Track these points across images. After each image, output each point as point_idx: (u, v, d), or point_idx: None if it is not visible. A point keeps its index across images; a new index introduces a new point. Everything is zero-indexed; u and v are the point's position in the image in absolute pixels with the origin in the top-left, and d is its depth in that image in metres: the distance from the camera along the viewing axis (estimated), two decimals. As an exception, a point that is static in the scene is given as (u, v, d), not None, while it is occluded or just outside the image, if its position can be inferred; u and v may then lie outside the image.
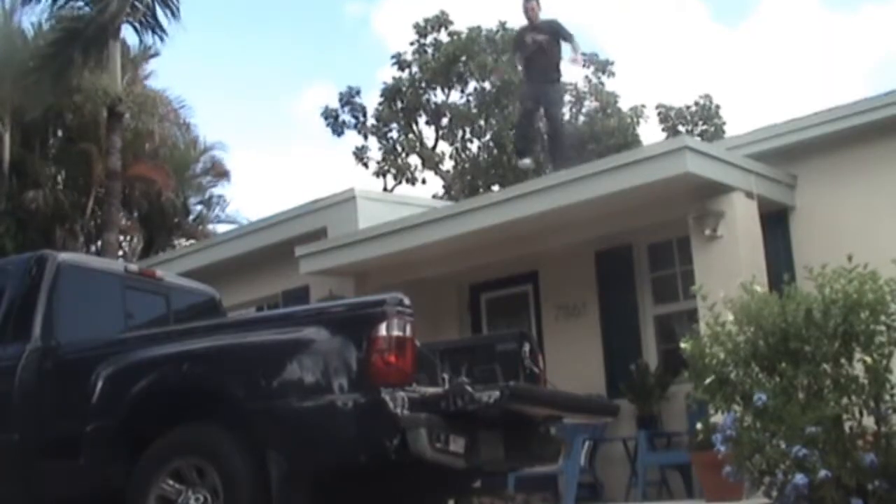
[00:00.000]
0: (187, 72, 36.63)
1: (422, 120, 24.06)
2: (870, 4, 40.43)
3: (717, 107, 23.82)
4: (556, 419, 6.02)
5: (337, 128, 24.49)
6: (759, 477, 4.90)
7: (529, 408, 5.41)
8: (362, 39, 39.73)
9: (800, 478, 4.54)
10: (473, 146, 23.84)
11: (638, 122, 22.67)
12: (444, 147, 24.08)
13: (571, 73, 10.68)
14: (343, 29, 40.73)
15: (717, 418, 5.17)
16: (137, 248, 22.59)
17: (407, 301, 4.93)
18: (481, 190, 21.23)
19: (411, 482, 5.34)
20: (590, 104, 23.43)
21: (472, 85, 23.43)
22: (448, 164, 23.99)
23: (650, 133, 24.14)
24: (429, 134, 24.16)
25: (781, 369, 4.87)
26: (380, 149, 24.18)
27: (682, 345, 5.24)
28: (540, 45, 10.45)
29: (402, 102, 23.62)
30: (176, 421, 5.07)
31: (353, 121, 24.44)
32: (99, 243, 19.35)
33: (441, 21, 23.64)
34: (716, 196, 8.23)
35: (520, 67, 12.37)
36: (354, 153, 24.22)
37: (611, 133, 21.79)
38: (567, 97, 22.12)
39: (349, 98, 24.47)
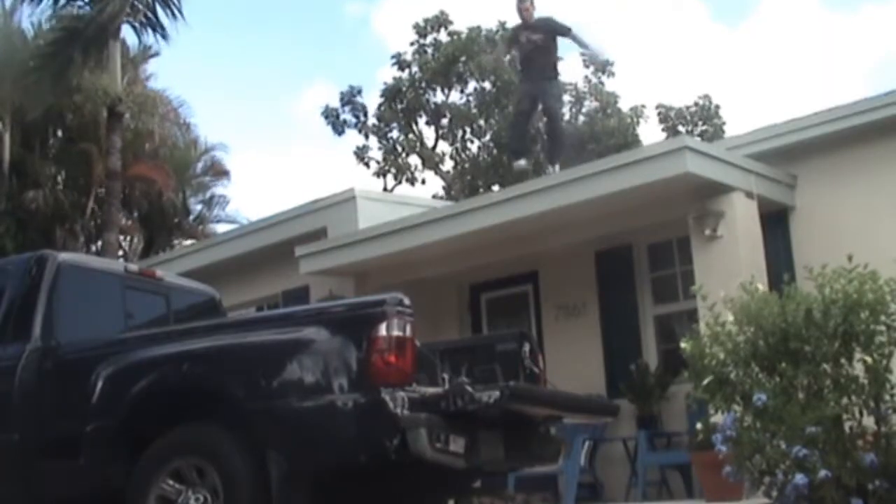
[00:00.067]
0: (187, 72, 36.69)
1: (422, 120, 24.07)
2: (870, 4, 40.47)
3: (717, 107, 23.82)
4: (556, 419, 6.02)
5: (338, 127, 24.50)
6: (759, 477, 4.90)
7: (529, 408, 5.41)
8: (362, 39, 39.79)
9: (800, 478, 4.54)
10: (473, 146, 23.86)
11: (638, 122, 22.66)
12: (444, 147, 24.11)
13: (594, 63, 10.53)
14: (343, 29, 40.79)
15: (717, 418, 5.17)
16: (138, 248, 22.60)
17: (407, 301, 4.93)
18: (481, 190, 21.22)
19: (411, 482, 5.34)
20: (590, 104, 23.42)
21: (472, 85, 23.43)
22: (448, 165, 24.02)
23: (650, 133, 24.17)
24: (429, 134, 24.21)
25: (781, 369, 4.87)
26: (380, 149, 24.20)
27: (682, 345, 5.24)
28: (535, 44, 10.40)
29: (402, 103, 23.61)
30: (176, 421, 5.07)
31: (353, 120, 24.46)
32: (99, 243, 19.36)
33: (441, 21, 23.63)
34: (716, 196, 8.23)
35: (506, 58, 12.21)
36: (356, 153, 24.23)
37: (611, 133, 21.77)
38: (567, 97, 22.14)
39: (350, 97, 24.47)
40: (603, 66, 10.23)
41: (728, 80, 37.50)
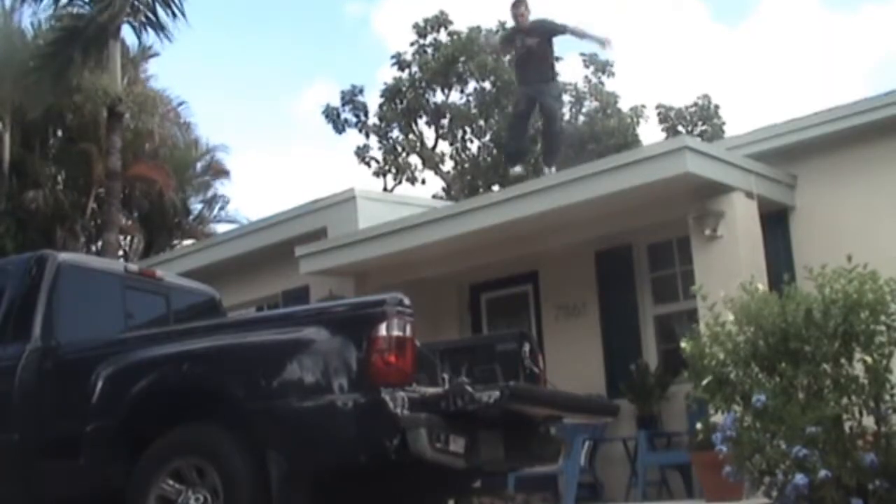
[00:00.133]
0: (187, 72, 36.70)
1: (422, 120, 24.07)
2: (870, 4, 40.47)
3: (717, 107, 23.81)
4: (556, 419, 6.02)
5: (338, 126, 24.50)
6: (759, 477, 4.90)
7: (529, 408, 5.41)
8: (362, 39, 39.79)
9: (800, 478, 4.54)
10: (473, 146, 23.86)
11: (638, 123, 22.66)
12: (444, 147, 24.11)
13: (600, 44, 10.46)
14: (343, 29, 40.79)
15: (717, 418, 5.17)
16: (138, 248, 22.59)
17: (407, 301, 4.93)
18: (481, 190, 21.21)
19: (411, 482, 5.34)
20: (590, 104, 23.42)
21: (471, 85, 23.43)
22: (448, 165, 24.02)
23: (650, 133, 24.15)
24: (429, 134, 24.21)
25: (781, 369, 4.87)
26: (380, 148, 24.20)
27: (682, 345, 5.24)
28: (530, 48, 10.36)
29: (402, 103, 23.62)
30: (176, 421, 5.07)
31: (354, 119, 24.46)
32: (99, 243, 19.35)
33: (441, 21, 23.63)
34: (716, 196, 8.23)
35: (506, 58, 12.19)
36: (356, 152, 24.24)
37: (611, 133, 21.77)
38: (567, 97, 22.14)
39: (351, 97, 24.47)
40: (606, 45, 10.19)
41: (728, 80, 37.54)
